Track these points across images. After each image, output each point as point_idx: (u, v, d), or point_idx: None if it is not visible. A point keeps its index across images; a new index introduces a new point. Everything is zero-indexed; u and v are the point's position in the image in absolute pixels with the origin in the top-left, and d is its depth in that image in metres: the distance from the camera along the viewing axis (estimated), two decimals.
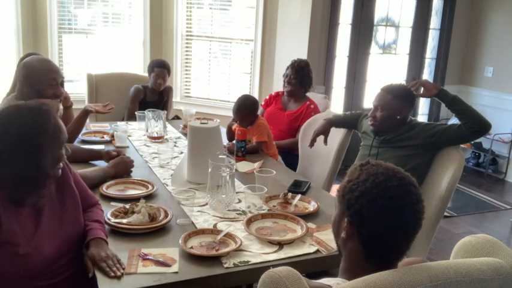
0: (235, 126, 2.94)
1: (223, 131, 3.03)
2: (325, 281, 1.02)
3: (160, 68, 3.73)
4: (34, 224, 1.49)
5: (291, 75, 3.41)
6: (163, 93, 3.84)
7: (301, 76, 3.40)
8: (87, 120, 3.88)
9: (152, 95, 3.78)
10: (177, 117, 3.92)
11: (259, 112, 3.27)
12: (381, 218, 1.01)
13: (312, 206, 2.03)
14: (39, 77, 2.27)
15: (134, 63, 4.91)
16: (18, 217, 1.45)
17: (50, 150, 1.47)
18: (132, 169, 2.37)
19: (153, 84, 3.73)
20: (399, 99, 2.35)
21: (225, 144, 2.74)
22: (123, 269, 1.48)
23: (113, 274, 1.45)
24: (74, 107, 2.93)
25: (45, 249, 1.48)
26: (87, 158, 2.46)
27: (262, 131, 2.91)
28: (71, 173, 1.67)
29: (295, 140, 3.25)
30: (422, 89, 2.37)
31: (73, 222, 1.60)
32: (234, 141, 2.78)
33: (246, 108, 2.90)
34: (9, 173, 1.42)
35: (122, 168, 2.29)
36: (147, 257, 1.54)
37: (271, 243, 1.69)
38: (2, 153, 1.41)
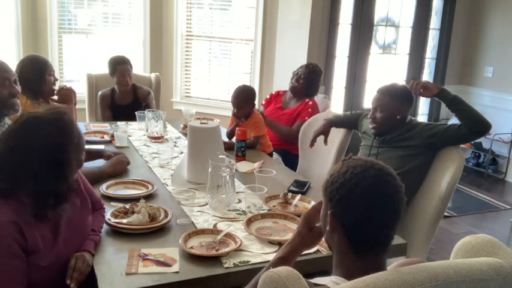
0: (231, 121, 3.02)
1: (224, 131, 3.04)
2: (318, 280, 1.03)
3: (123, 64, 3.53)
4: (53, 233, 1.44)
5: (302, 74, 3.43)
6: (139, 98, 3.63)
7: (311, 79, 3.42)
8: (87, 120, 3.90)
9: (123, 98, 3.58)
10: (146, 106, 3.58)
11: (260, 110, 3.27)
12: (360, 206, 1.04)
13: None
14: None
15: (134, 63, 4.89)
16: (39, 229, 1.39)
17: (75, 160, 1.42)
18: (128, 168, 2.39)
19: (120, 85, 3.54)
20: (397, 99, 2.35)
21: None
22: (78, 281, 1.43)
23: (68, 281, 1.42)
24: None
25: (64, 257, 1.46)
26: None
27: (260, 125, 2.97)
28: (81, 178, 1.65)
29: (293, 130, 3.24)
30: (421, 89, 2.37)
31: (87, 229, 1.60)
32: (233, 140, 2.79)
33: (246, 93, 2.97)
34: (32, 188, 1.34)
35: (120, 167, 2.33)
36: (147, 257, 1.54)
37: (271, 243, 1.69)
38: (23, 168, 1.32)
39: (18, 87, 2.23)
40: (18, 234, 1.31)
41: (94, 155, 2.46)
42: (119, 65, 3.53)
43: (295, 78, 3.45)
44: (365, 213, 1.04)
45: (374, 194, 1.04)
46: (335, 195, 1.07)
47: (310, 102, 3.38)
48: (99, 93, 3.62)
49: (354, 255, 1.07)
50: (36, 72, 2.77)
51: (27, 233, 1.34)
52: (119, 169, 2.32)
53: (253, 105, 3.00)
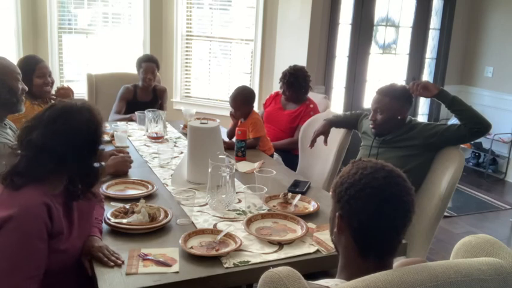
0: (231, 123, 3.01)
1: (224, 131, 3.04)
2: (324, 282, 1.03)
3: (149, 62, 3.60)
4: (69, 222, 1.52)
5: (286, 91, 3.41)
6: (157, 95, 3.72)
7: (295, 87, 3.39)
8: None
9: (144, 95, 3.65)
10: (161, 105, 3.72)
11: (259, 113, 3.28)
12: (368, 207, 1.02)
13: (312, 206, 2.03)
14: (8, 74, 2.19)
15: (134, 63, 4.89)
16: (60, 215, 1.48)
17: (101, 139, 1.53)
18: (130, 168, 2.37)
19: (143, 81, 3.60)
20: (397, 100, 2.35)
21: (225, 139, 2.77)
22: (122, 260, 1.52)
23: (112, 264, 1.49)
24: None
25: (77, 246, 1.53)
26: None
27: (258, 126, 2.95)
28: None
29: (294, 139, 3.25)
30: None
31: (93, 219, 1.67)
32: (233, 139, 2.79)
33: (243, 95, 2.95)
34: (75, 168, 1.46)
35: (122, 167, 2.31)
36: (147, 257, 1.54)
37: (271, 243, 1.69)
38: (70, 149, 1.43)
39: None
40: (47, 217, 1.38)
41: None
42: (144, 62, 3.61)
43: (282, 93, 3.45)
44: (373, 215, 1.02)
45: (383, 195, 1.02)
46: (343, 196, 1.06)
47: (311, 105, 3.38)
48: (123, 86, 3.68)
49: (360, 258, 1.06)
50: (23, 73, 2.69)
51: (54, 216, 1.41)
52: (120, 169, 2.30)
53: (251, 106, 2.99)
